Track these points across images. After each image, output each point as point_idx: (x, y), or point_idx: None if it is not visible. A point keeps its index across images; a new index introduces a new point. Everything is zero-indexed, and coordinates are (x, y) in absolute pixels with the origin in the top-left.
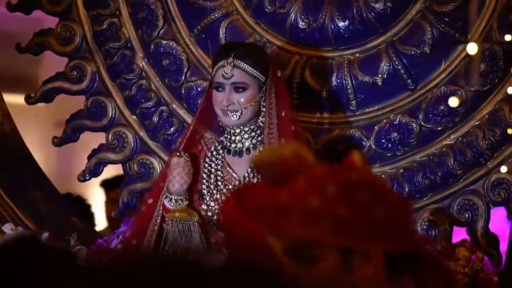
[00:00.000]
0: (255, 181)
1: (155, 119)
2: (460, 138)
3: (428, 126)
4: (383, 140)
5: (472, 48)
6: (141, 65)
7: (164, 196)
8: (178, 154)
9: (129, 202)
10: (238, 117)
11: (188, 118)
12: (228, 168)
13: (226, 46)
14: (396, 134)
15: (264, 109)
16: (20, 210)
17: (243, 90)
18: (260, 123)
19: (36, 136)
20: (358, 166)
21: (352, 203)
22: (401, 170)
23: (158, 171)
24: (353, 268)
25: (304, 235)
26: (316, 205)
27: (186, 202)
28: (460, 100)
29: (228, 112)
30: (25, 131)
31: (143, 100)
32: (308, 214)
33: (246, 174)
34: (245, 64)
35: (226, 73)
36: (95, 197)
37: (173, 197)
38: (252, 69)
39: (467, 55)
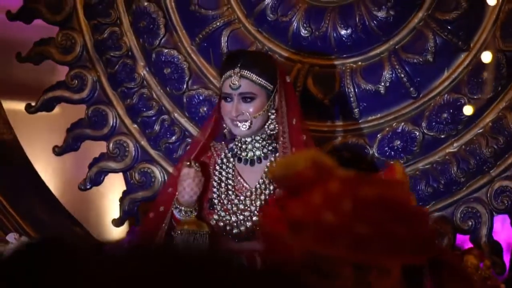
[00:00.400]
0: (266, 192)
1: (157, 127)
2: (463, 146)
3: (431, 134)
4: (386, 148)
5: (486, 57)
6: (142, 73)
7: (174, 206)
8: (188, 163)
9: (130, 210)
10: (248, 127)
11: (190, 127)
12: (239, 178)
13: (232, 56)
14: (399, 142)
15: (273, 116)
16: (22, 220)
17: (251, 100)
18: (269, 131)
19: (53, 143)
20: (398, 177)
21: (369, 219)
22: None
23: (160, 179)
24: (369, 283)
25: (318, 251)
26: (331, 220)
27: (196, 213)
28: (474, 108)
29: (237, 122)
30: (43, 139)
31: (145, 109)
32: (323, 229)
33: (258, 185)
34: (252, 74)
35: (233, 84)
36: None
37: (182, 208)
38: (259, 78)
39: (470, 63)
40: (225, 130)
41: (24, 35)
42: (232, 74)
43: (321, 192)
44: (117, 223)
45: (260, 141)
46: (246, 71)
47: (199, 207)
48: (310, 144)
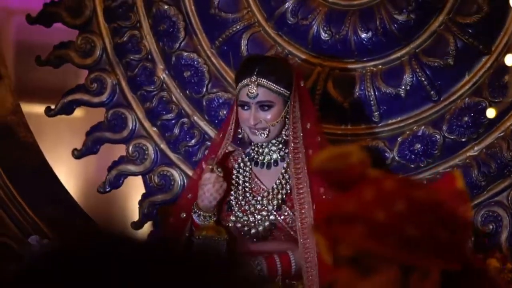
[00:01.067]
0: (283, 192)
1: (176, 131)
2: (484, 150)
3: (452, 137)
4: (406, 152)
5: (510, 60)
6: (162, 77)
7: (193, 210)
8: (210, 168)
9: (149, 213)
10: (266, 135)
11: (209, 130)
12: (256, 180)
13: (248, 63)
14: (419, 146)
15: (288, 120)
16: (42, 223)
17: (269, 108)
18: (284, 136)
19: (77, 147)
20: (458, 186)
21: (419, 221)
22: (425, 182)
23: (179, 183)
24: (411, 285)
25: (368, 247)
26: (382, 219)
27: (215, 218)
28: (496, 111)
29: (256, 131)
30: (66, 142)
31: (164, 112)
32: (374, 227)
33: (275, 186)
34: (269, 82)
35: (250, 93)
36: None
37: (201, 213)
38: (276, 86)
39: (491, 66)
40: (242, 134)
41: (46, 38)
42: (249, 83)
43: (374, 188)
44: (136, 226)
45: (277, 145)
46: (263, 79)
47: (218, 211)
48: (326, 146)
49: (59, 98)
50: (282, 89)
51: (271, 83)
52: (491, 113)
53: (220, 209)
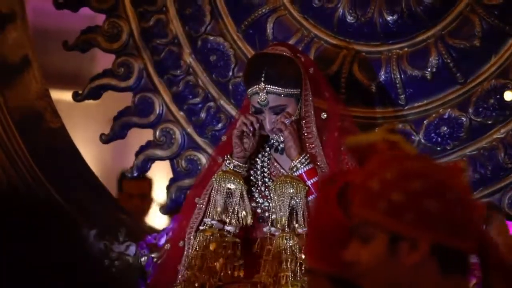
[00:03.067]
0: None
1: (203, 115)
2: (511, 132)
3: (478, 120)
4: (433, 134)
5: None
6: (188, 61)
7: (225, 158)
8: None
9: (177, 198)
10: None
11: (236, 114)
12: (275, 164)
13: (254, 66)
14: (445, 128)
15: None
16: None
17: (282, 111)
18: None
19: (92, 132)
20: (462, 175)
21: (407, 190)
22: None
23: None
24: (398, 253)
25: (360, 214)
26: (375, 187)
27: (244, 173)
28: None
29: (274, 134)
30: (81, 128)
31: (191, 96)
32: (367, 195)
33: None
34: (277, 88)
35: (261, 101)
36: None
37: (232, 161)
38: (285, 90)
39: None
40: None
41: (67, 25)
42: (258, 91)
43: (375, 160)
44: (164, 210)
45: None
46: (271, 86)
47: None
48: (351, 129)
49: (87, 83)
50: (292, 90)
51: (280, 88)
52: (509, 96)
53: None
